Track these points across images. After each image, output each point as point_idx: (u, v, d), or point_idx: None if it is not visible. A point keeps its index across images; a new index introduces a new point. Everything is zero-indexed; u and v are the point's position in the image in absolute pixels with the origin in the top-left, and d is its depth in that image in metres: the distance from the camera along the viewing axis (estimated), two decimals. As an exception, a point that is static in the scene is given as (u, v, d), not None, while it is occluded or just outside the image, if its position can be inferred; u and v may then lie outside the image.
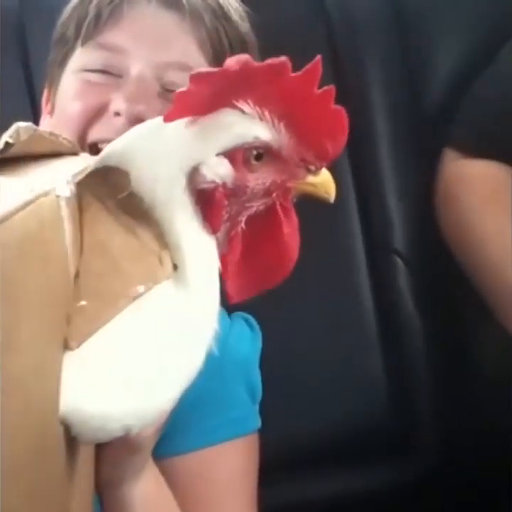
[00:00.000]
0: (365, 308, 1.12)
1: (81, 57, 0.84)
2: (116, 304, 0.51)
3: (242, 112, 0.55)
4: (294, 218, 0.60)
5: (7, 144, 0.52)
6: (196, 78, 0.54)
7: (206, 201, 0.57)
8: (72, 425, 0.49)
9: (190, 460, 0.81)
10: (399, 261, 1.13)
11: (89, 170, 0.55)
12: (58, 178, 0.51)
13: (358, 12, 1.16)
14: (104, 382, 0.50)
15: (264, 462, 0.88)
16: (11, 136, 0.53)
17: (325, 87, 0.57)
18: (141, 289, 0.52)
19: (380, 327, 1.12)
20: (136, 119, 0.77)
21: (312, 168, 0.59)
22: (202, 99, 0.54)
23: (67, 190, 0.51)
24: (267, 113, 0.56)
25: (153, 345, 0.53)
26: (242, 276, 0.60)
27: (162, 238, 0.55)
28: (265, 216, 0.59)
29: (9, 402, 0.40)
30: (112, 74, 0.83)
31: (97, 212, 0.53)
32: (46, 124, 0.88)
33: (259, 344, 0.90)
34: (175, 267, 0.55)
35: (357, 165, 1.13)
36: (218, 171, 0.56)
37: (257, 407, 0.88)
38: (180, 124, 0.55)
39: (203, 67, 0.82)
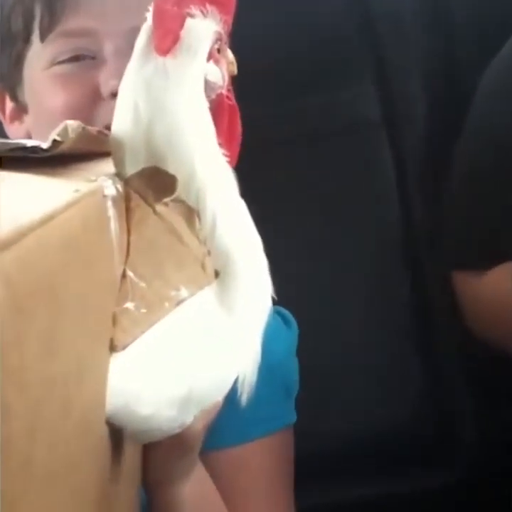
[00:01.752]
0: (400, 311, 1.11)
1: (45, 52, 0.81)
2: (161, 308, 0.51)
3: (192, 16, 0.55)
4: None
5: (55, 142, 0.52)
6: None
7: (215, 111, 0.58)
8: (126, 426, 0.50)
9: (226, 455, 0.80)
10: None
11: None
12: (104, 178, 0.50)
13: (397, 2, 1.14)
14: (155, 382, 0.50)
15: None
16: (59, 134, 0.52)
17: None
18: (185, 294, 0.52)
19: (416, 331, 1.11)
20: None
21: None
22: (168, 14, 0.55)
23: (113, 189, 0.50)
24: (207, 8, 0.56)
25: (197, 348, 0.53)
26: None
27: (205, 244, 0.54)
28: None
29: (48, 408, 0.39)
30: (85, 58, 0.80)
31: (144, 214, 0.52)
32: (16, 129, 0.86)
33: (295, 339, 0.89)
34: (216, 273, 0.55)
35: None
36: (216, 74, 0.58)
37: (292, 401, 0.87)
38: (165, 69, 0.55)
39: None
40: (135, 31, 0.79)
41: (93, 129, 0.56)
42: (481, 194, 0.99)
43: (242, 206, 0.57)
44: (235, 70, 0.61)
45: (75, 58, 0.81)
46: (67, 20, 0.80)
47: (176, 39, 0.55)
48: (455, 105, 1.07)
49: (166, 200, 0.54)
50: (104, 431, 0.49)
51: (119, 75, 0.77)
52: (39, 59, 0.82)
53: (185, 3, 0.55)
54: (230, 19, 0.59)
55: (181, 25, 0.55)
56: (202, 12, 0.56)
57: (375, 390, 1.08)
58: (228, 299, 0.54)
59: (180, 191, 0.54)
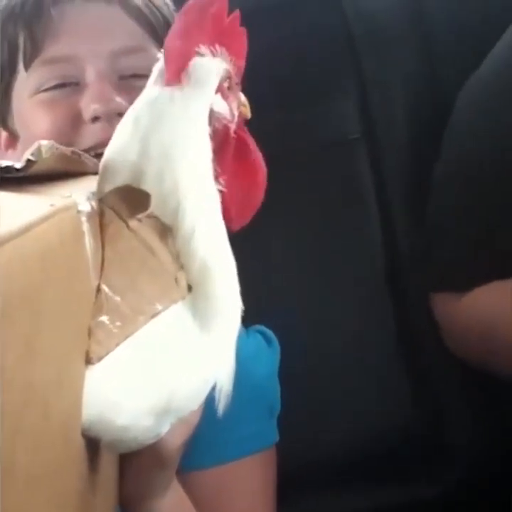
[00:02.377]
0: (389, 316, 1.11)
1: (30, 80, 0.83)
2: (135, 321, 0.52)
3: (201, 54, 0.59)
4: (251, 140, 0.65)
5: (29, 162, 0.53)
6: (171, 37, 0.59)
7: (220, 142, 0.60)
8: (102, 436, 0.51)
9: (207, 476, 0.81)
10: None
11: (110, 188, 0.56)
12: (79, 194, 0.52)
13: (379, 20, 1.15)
14: (129, 393, 0.51)
15: (286, 478, 0.88)
16: (32, 154, 0.54)
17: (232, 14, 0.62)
18: (159, 307, 0.53)
19: (406, 338, 1.12)
20: (116, 116, 0.78)
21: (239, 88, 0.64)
22: (178, 52, 0.59)
23: (88, 206, 0.51)
24: (217, 48, 0.60)
25: (171, 359, 0.54)
26: (236, 201, 0.62)
27: (178, 259, 0.56)
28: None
29: (29, 412, 0.40)
30: (69, 85, 0.82)
31: (118, 230, 0.54)
32: (10, 157, 0.87)
33: (277, 358, 0.90)
34: (189, 288, 0.56)
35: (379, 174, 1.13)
36: (223, 107, 0.60)
37: (274, 421, 0.88)
38: (172, 95, 0.58)
39: (148, 42, 0.84)
40: (115, 54, 0.82)
41: (67, 149, 0.57)
42: (458, 216, 1.00)
43: (220, 226, 0.58)
44: (247, 113, 0.64)
45: (59, 85, 0.82)
46: (48, 48, 0.82)
47: (182, 71, 0.58)
48: (436, 122, 1.07)
49: (140, 216, 0.55)
50: (81, 440, 0.49)
51: (100, 99, 0.80)
52: (25, 87, 0.84)
53: (196, 40, 0.59)
54: (242, 63, 0.62)
55: (189, 59, 0.58)
56: (212, 52, 0.59)
57: (370, 396, 1.08)
58: (201, 312, 0.56)
59: (156, 207, 0.56)
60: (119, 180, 0.56)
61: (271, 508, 0.86)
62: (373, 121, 1.11)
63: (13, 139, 0.88)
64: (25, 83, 0.84)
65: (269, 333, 0.90)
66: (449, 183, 1.02)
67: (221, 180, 0.60)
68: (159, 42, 0.83)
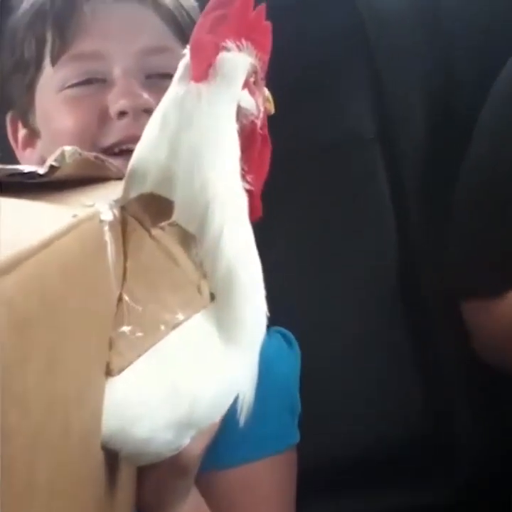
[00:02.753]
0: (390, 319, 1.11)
1: (57, 76, 0.83)
2: (157, 331, 0.51)
3: (227, 49, 0.58)
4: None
5: (52, 167, 0.53)
6: (197, 32, 0.59)
7: (246, 139, 0.59)
8: (121, 450, 0.50)
9: (228, 475, 0.81)
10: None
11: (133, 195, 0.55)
12: (102, 202, 0.51)
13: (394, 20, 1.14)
14: (150, 406, 0.50)
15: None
16: (56, 160, 0.53)
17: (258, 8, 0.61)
18: (181, 317, 0.52)
19: (416, 344, 1.11)
20: (143, 111, 0.79)
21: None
22: (204, 47, 0.58)
23: (110, 215, 0.51)
24: (243, 42, 0.59)
25: (193, 371, 0.53)
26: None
27: (201, 268, 0.55)
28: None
29: (50, 429, 0.39)
30: (96, 81, 0.82)
31: (140, 239, 0.53)
32: (29, 156, 0.88)
33: (298, 358, 0.90)
34: (212, 296, 0.55)
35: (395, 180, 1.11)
36: (250, 102, 0.59)
37: (296, 421, 0.88)
38: (199, 92, 0.57)
39: (176, 43, 0.84)
40: (143, 52, 0.82)
41: (90, 155, 0.57)
42: (491, 217, 0.99)
43: (248, 229, 0.58)
44: (271, 109, 0.63)
45: (86, 82, 0.83)
46: (77, 44, 0.83)
47: (210, 66, 0.57)
48: (452, 122, 1.07)
49: (162, 224, 0.55)
50: (101, 453, 0.49)
51: (127, 94, 0.80)
52: (51, 83, 0.84)
53: (222, 35, 0.58)
54: (266, 58, 0.61)
55: (216, 54, 0.57)
56: (238, 46, 0.58)
57: (370, 398, 1.08)
58: (225, 321, 0.55)
59: (183, 209, 0.55)
60: (149, 180, 0.56)
61: (291, 507, 0.87)
62: (389, 121, 1.11)
63: (32, 138, 0.88)
64: (52, 79, 0.84)
65: (289, 334, 0.90)
66: (472, 191, 1.01)
67: (248, 178, 0.59)
68: (187, 41, 0.83)
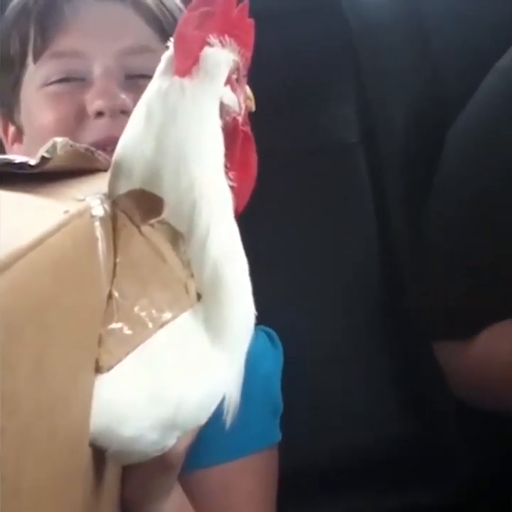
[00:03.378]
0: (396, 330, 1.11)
1: (38, 73, 0.84)
2: (145, 329, 0.51)
3: (210, 45, 0.57)
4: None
5: (43, 159, 0.52)
6: (181, 26, 0.58)
7: (229, 135, 0.59)
8: (108, 448, 0.50)
9: (209, 474, 0.81)
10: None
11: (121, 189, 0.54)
12: (93, 197, 0.50)
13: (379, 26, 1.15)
14: (138, 405, 0.50)
15: (284, 482, 0.88)
16: (47, 151, 0.52)
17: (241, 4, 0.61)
18: (168, 315, 0.52)
19: (404, 342, 1.11)
20: (120, 112, 0.79)
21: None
22: (188, 41, 0.57)
23: (101, 210, 0.50)
24: (226, 39, 0.58)
25: (181, 371, 0.53)
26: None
27: (188, 266, 0.55)
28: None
29: (36, 430, 0.39)
30: (75, 79, 0.82)
31: (130, 235, 0.53)
32: (16, 151, 0.88)
33: (280, 358, 0.90)
34: (198, 296, 0.55)
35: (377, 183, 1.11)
36: (232, 99, 0.59)
37: (277, 420, 0.88)
38: (182, 87, 0.56)
39: (158, 44, 0.83)
40: (123, 52, 0.82)
41: (81, 146, 0.56)
42: (455, 256, 0.97)
43: (234, 227, 0.57)
44: (252, 106, 0.63)
45: (66, 79, 0.82)
46: (57, 42, 0.83)
47: (194, 61, 0.57)
48: (435, 127, 1.07)
49: (152, 221, 0.54)
50: (88, 451, 0.48)
51: (104, 94, 0.80)
52: (33, 80, 0.84)
53: (206, 30, 0.57)
54: (248, 55, 0.61)
55: (200, 48, 0.57)
56: (221, 42, 0.58)
57: (369, 398, 1.08)
58: (212, 321, 0.54)
59: (170, 208, 0.54)
60: (135, 176, 0.55)
61: (273, 505, 0.86)
62: (372, 126, 1.11)
63: (19, 134, 0.88)
64: (34, 76, 0.84)
65: (273, 333, 0.90)
66: (442, 227, 1.00)
67: (230, 175, 0.59)
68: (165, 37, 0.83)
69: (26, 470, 0.38)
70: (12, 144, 0.89)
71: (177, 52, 0.57)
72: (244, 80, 0.62)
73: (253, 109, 0.63)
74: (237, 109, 0.60)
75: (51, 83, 0.83)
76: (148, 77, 0.74)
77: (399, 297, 1.10)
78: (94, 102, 0.80)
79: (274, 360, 0.89)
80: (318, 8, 1.12)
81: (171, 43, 0.58)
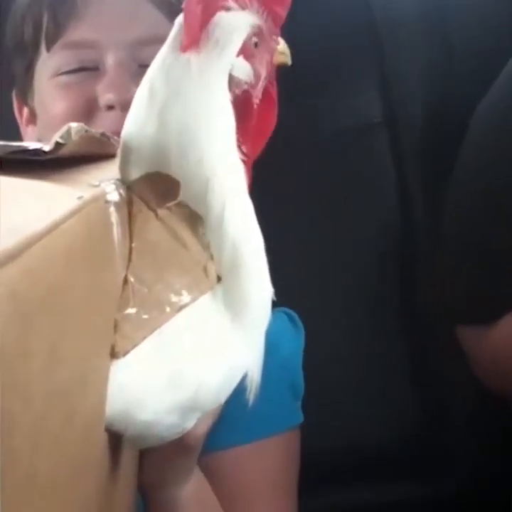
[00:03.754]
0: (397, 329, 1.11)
1: (50, 62, 0.83)
2: (162, 313, 0.51)
3: (227, 8, 0.54)
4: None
5: (58, 144, 0.52)
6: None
7: (240, 108, 0.56)
8: (125, 432, 0.50)
9: (228, 456, 0.81)
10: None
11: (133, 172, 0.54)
12: (107, 183, 0.50)
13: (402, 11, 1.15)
14: (155, 388, 0.50)
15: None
16: (61, 137, 0.52)
17: None
18: (186, 299, 0.52)
19: (407, 341, 1.11)
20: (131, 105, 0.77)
21: (276, 38, 0.59)
22: (199, 12, 0.54)
23: (116, 195, 0.50)
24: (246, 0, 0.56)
25: (199, 353, 0.52)
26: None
27: (208, 249, 0.54)
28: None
29: (52, 419, 0.39)
30: (87, 69, 0.82)
31: (147, 219, 0.52)
32: (31, 133, 0.88)
33: (302, 339, 0.90)
34: (218, 278, 0.54)
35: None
36: (244, 71, 0.56)
37: (299, 403, 0.88)
38: (188, 62, 0.54)
39: (170, 28, 0.81)
40: (137, 43, 0.81)
41: (96, 132, 0.56)
42: (474, 242, 0.96)
43: (248, 204, 0.56)
44: (287, 60, 0.60)
45: (78, 70, 0.82)
46: (70, 31, 0.82)
47: (201, 32, 0.54)
48: (453, 112, 1.07)
49: (169, 204, 0.54)
50: (104, 437, 0.49)
51: (117, 87, 0.80)
52: (45, 68, 0.84)
53: None
54: (281, 11, 0.58)
55: (210, 16, 0.54)
56: (241, 5, 0.55)
57: (371, 397, 1.08)
58: (232, 301, 0.54)
59: (183, 189, 0.54)
60: (143, 158, 0.54)
61: (293, 488, 0.86)
62: (393, 106, 1.11)
63: (33, 116, 0.88)
64: (46, 64, 0.84)
65: (294, 314, 0.89)
66: (457, 217, 0.99)
67: (243, 148, 0.57)
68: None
69: (41, 459, 0.38)
70: (27, 125, 0.89)
71: (186, 27, 0.54)
72: (271, 40, 0.58)
73: (289, 63, 0.60)
74: (248, 79, 0.57)
75: (63, 73, 0.83)
76: None
77: (405, 295, 1.09)
78: (105, 95, 0.80)
79: (295, 342, 0.88)
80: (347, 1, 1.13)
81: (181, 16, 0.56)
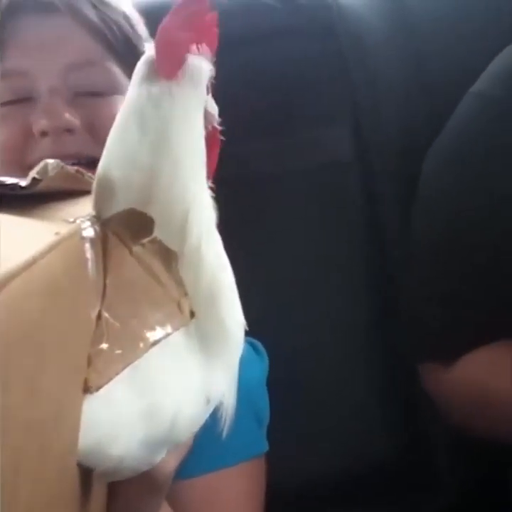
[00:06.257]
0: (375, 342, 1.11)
1: None
2: (136, 348, 0.51)
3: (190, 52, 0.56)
4: None
5: (34, 180, 0.53)
6: (165, 28, 0.56)
7: (208, 143, 0.58)
8: (97, 467, 0.50)
9: (194, 485, 0.80)
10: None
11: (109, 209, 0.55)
12: (83, 218, 0.51)
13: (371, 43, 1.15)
14: (126, 423, 0.50)
15: (271, 497, 0.88)
16: (38, 172, 0.53)
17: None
18: (160, 334, 0.52)
19: (393, 361, 1.12)
20: (64, 132, 0.78)
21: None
22: (174, 44, 0.55)
23: (91, 231, 0.51)
24: (201, 46, 0.57)
25: (172, 388, 0.53)
26: None
27: (182, 285, 0.55)
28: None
29: (27, 450, 0.39)
30: (21, 100, 0.82)
31: (121, 255, 0.53)
32: None
33: (265, 366, 0.90)
34: (192, 314, 0.55)
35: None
36: (214, 107, 0.58)
37: (263, 430, 0.88)
38: (171, 92, 0.54)
39: (102, 55, 0.82)
40: (68, 69, 0.81)
41: (71, 168, 0.56)
42: (434, 290, 0.96)
43: (219, 239, 0.57)
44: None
45: (13, 101, 0.82)
46: (3, 61, 0.81)
47: (181, 63, 0.55)
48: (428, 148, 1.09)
49: (143, 241, 0.54)
50: (76, 471, 0.49)
51: (48, 114, 0.79)
52: None
53: (188, 37, 0.56)
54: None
55: (187, 51, 0.55)
56: (197, 48, 0.57)
57: (351, 424, 1.08)
58: (207, 335, 0.55)
59: (161, 229, 0.54)
60: (118, 194, 0.54)
61: None
62: (365, 145, 1.12)
63: None
64: None
65: (257, 343, 0.90)
66: (423, 252, 0.99)
67: (209, 183, 0.58)
68: (117, 56, 0.82)
69: (23, 485, 0.39)
70: None
71: (162, 55, 0.55)
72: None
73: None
74: (216, 115, 0.59)
75: (1, 104, 0.82)
76: (97, 93, 0.76)
77: (389, 314, 1.10)
78: (38, 123, 0.80)
79: (259, 371, 0.89)
80: (311, 29, 1.13)
81: (148, 47, 0.56)
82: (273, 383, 0.90)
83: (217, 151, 0.61)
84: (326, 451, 1.06)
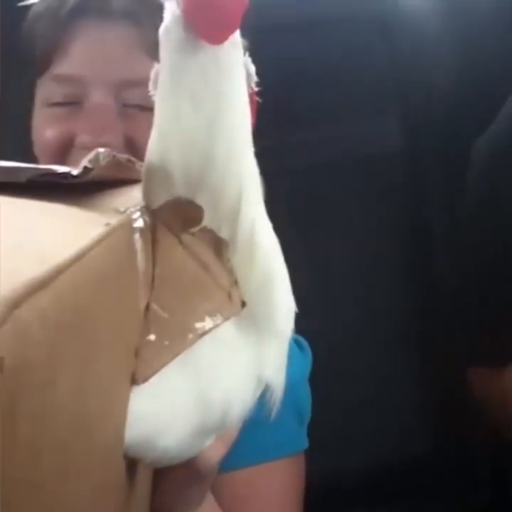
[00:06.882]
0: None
1: (41, 91, 0.84)
2: (184, 339, 0.50)
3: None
4: None
5: (86, 169, 0.53)
6: None
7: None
8: (145, 459, 0.50)
9: (235, 478, 0.81)
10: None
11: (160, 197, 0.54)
12: (133, 208, 0.51)
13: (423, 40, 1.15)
14: (175, 414, 0.50)
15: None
16: (90, 161, 0.53)
17: None
18: (210, 324, 0.51)
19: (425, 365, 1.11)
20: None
21: None
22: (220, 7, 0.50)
23: (141, 222, 0.50)
24: None
25: (220, 379, 0.52)
26: None
27: (232, 274, 0.54)
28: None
29: (75, 442, 0.39)
30: (71, 103, 0.82)
31: (170, 245, 0.52)
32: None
33: (308, 363, 0.89)
34: (243, 304, 0.54)
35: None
36: (251, 67, 0.55)
37: (304, 428, 0.88)
38: (216, 54, 0.50)
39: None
40: (122, 84, 0.81)
41: (122, 157, 0.56)
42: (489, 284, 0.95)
43: (268, 221, 0.56)
44: None
45: (63, 104, 0.82)
46: (57, 64, 0.82)
47: (234, 27, 0.50)
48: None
49: (193, 230, 0.54)
50: (123, 462, 0.49)
51: (94, 130, 0.80)
52: (38, 95, 0.85)
53: None
54: None
55: (237, 13, 0.50)
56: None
57: (380, 426, 1.08)
58: (258, 322, 0.54)
59: (207, 217, 0.53)
60: (167, 183, 0.52)
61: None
62: (413, 135, 1.12)
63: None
64: (39, 91, 0.85)
65: (301, 339, 0.89)
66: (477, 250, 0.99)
67: None
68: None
69: (65, 485, 0.39)
70: None
71: (207, 18, 0.49)
72: None
73: None
74: (255, 77, 0.56)
75: (50, 105, 0.83)
76: (146, 108, 0.75)
77: (426, 319, 1.09)
78: (82, 136, 0.80)
79: (302, 367, 0.88)
80: (365, 20, 1.12)
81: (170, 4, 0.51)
82: (312, 378, 0.89)
83: (254, 114, 0.57)
84: (362, 447, 1.06)
